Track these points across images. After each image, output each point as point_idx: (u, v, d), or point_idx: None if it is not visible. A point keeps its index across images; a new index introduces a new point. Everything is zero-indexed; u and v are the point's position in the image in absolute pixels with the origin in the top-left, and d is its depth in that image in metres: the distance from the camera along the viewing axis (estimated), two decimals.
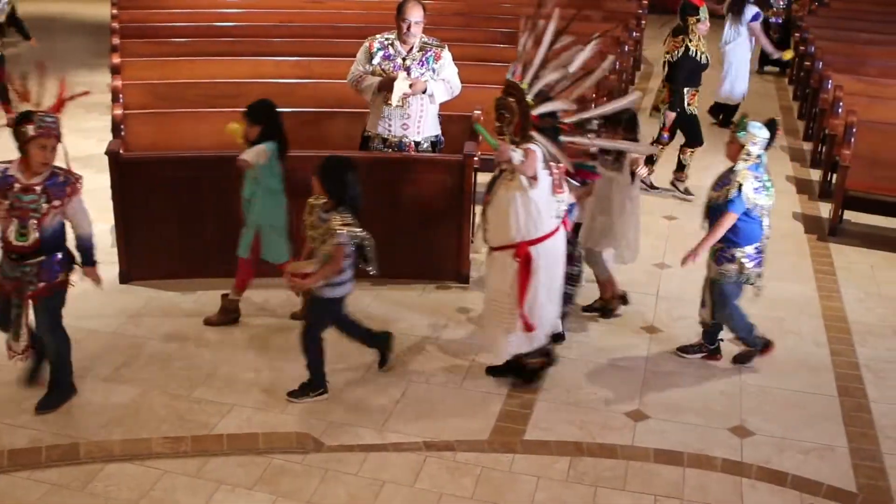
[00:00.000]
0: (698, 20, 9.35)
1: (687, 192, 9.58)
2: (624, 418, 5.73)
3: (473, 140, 7.35)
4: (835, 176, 9.20)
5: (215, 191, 7.00)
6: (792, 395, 6.03)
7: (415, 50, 7.14)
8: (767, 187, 5.96)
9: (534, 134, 5.38)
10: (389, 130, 7.18)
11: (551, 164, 5.44)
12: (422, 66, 7.09)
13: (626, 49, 12.20)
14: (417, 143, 7.27)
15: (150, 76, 9.46)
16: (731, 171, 5.96)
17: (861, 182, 8.70)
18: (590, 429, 5.61)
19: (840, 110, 9.62)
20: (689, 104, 9.45)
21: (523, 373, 6.01)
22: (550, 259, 5.61)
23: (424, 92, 7.07)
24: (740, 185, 5.83)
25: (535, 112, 5.39)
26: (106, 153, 7.06)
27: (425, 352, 6.41)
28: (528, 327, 5.61)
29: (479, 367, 6.21)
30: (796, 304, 7.28)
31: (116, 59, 9.96)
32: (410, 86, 6.98)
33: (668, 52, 9.55)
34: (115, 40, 10.90)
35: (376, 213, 6.99)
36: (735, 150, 5.92)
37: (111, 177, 7.04)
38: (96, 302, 6.85)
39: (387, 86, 7.01)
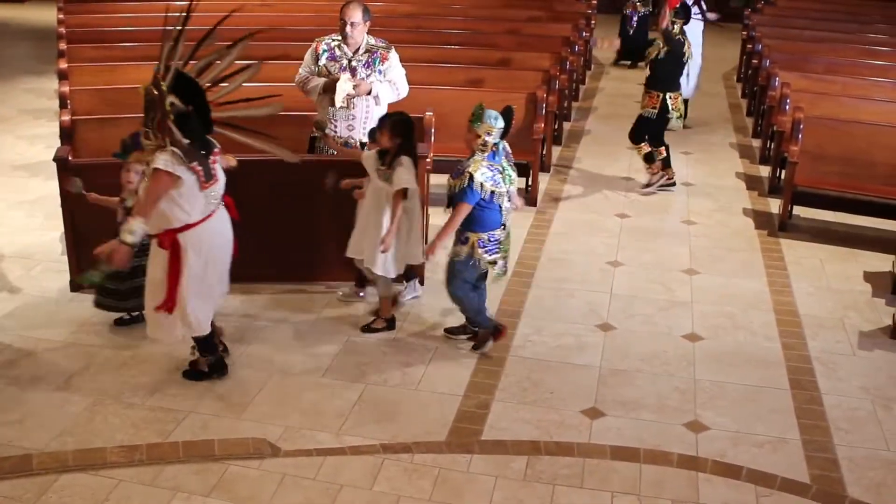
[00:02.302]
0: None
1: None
2: (580, 416, 5.76)
3: (425, 141, 7.36)
4: (783, 172, 9.32)
5: None
6: (745, 390, 6.10)
7: (361, 51, 7.14)
8: (504, 173, 6.09)
9: (170, 140, 5.37)
10: (335, 131, 7.17)
11: (194, 164, 5.44)
12: (368, 67, 7.10)
13: (577, 49, 12.25)
14: (363, 144, 7.26)
15: (98, 81, 9.35)
16: (469, 159, 6.06)
17: (809, 178, 8.83)
18: (546, 427, 5.63)
19: (787, 107, 9.74)
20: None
21: (191, 370, 6.06)
22: (203, 246, 5.61)
23: (370, 93, 7.07)
24: (471, 175, 5.94)
25: (172, 122, 5.37)
26: (54, 160, 6.98)
27: (381, 353, 6.40)
28: (167, 307, 5.61)
29: (434, 368, 6.22)
30: (748, 299, 7.36)
31: (63, 65, 9.85)
32: (355, 87, 6.99)
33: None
34: (62, 45, 10.78)
35: (327, 215, 7.01)
36: (472, 139, 6.02)
37: (60, 184, 6.95)
38: (47, 311, 6.77)
39: (331, 87, 7.02)
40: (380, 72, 7.13)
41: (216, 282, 5.80)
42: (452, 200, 6.15)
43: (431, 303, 7.09)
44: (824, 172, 8.85)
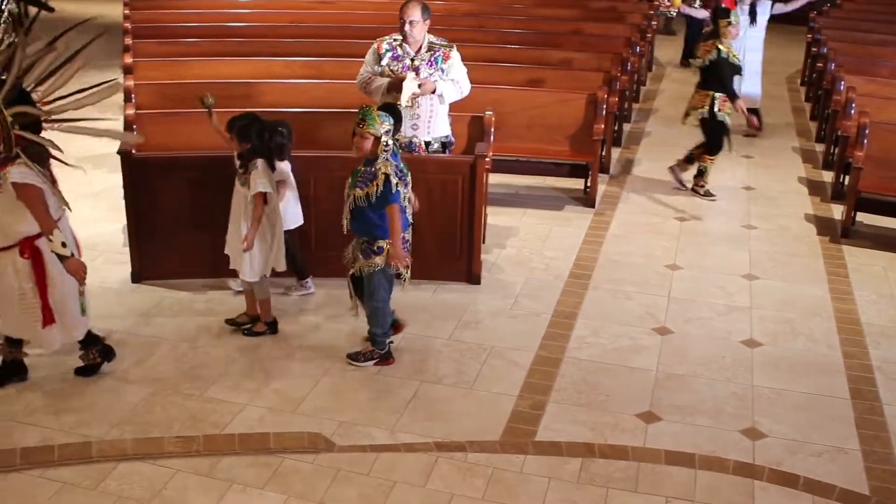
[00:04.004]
0: (729, 23, 9.26)
1: (708, 194, 9.59)
2: (635, 420, 5.72)
3: (484, 140, 7.33)
4: (847, 177, 9.17)
5: (226, 190, 6.98)
6: (804, 398, 6.02)
7: (423, 50, 7.14)
8: (405, 173, 5.96)
9: (19, 151, 5.33)
10: (399, 131, 7.17)
11: (47, 174, 5.43)
12: (431, 66, 7.10)
13: (638, 50, 12.17)
14: (428, 144, 7.28)
15: (162, 76, 9.49)
16: (371, 165, 5.86)
17: (873, 183, 8.67)
18: (601, 430, 5.60)
19: (853, 111, 9.58)
20: (719, 109, 9.30)
21: (84, 368, 6.02)
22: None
23: (434, 92, 7.07)
24: (387, 176, 5.78)
25: (17, 131, 5.31)
26: (118, 153, 7.09)
27: (437, 352, 6.41)
28: (50, 320, 5.61)
29: (489, 368, 6.21)
30: (808, 305, 7.26)
31: (129, 59, 10.00)
32: (420, 86, 6.98)
33: (699, 58, 9.42)
34: (128, 40, 10.94)
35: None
36: (373, 143, 5.83)
37: (123, 176, 7.07)
38: (108, 301, 6.88)
39: (396, 87, 7.01)
40: (442, 70, 7.12)
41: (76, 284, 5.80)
42: (356, 212, 5.91)
43: (488, 301, 7.09)
44: (889, 178, 8.69)
